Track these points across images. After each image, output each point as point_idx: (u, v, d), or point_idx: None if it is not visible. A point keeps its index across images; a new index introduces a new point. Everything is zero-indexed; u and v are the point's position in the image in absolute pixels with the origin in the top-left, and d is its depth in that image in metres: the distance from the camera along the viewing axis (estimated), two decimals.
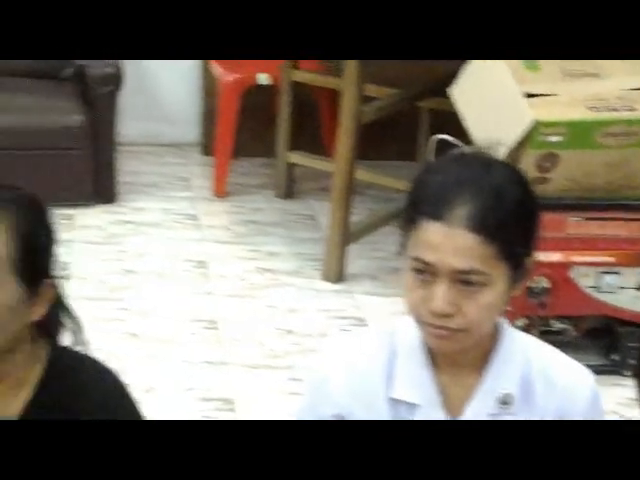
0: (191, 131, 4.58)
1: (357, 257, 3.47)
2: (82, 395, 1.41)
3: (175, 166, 4.38)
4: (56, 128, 3.68)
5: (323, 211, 3.70)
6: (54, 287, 1.42)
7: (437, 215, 1.32)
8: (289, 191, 4.06)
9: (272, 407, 2.62)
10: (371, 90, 3.53)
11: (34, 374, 1.42)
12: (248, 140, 4.22)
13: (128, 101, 3.93)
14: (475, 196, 1.32)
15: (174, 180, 4.23)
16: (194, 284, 3.31)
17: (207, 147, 4.44)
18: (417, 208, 1.35)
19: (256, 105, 4.10)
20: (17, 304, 1.34)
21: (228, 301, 3.20)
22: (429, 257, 1.32)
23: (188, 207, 3.95)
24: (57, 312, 1.47)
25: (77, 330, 1.50)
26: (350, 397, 1.43)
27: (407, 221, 1.36)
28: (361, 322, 3.11)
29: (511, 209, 1.33)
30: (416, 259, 1.34)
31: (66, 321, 1.50)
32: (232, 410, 2.62)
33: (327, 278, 3.35)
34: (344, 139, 3.21)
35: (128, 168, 4.17)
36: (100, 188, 3.82)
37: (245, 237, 3.71)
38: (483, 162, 1.37)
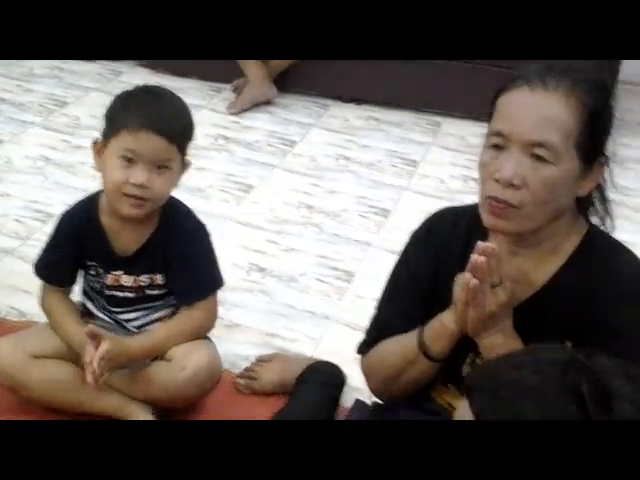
0: None
1: None
2: (610, 275, 1.45)
3: None
4: None
5: None
6: (604, 166, 1.45)
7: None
8: None
9: None
10: None
11: (570, 244, 1.49)
12: None
13: None
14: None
15: None
16: None
17: None
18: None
19: None
20: (573, 177, 1.40)
21: None
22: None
23: None
24: (595, 194, 1.52)
25: (605, 215, 1.54)
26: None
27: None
28: None
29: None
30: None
31: (598, 205, 1.54)
32: None
33: None
34: None
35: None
36: None
37: None
38: None
